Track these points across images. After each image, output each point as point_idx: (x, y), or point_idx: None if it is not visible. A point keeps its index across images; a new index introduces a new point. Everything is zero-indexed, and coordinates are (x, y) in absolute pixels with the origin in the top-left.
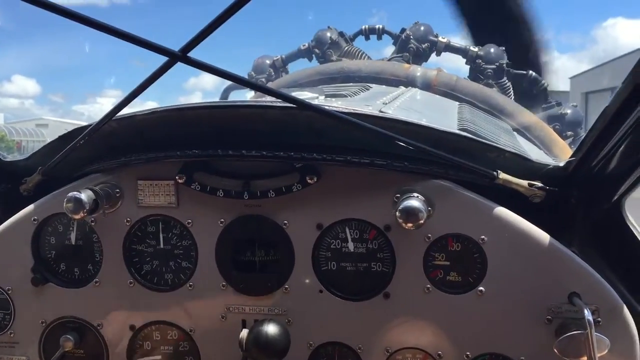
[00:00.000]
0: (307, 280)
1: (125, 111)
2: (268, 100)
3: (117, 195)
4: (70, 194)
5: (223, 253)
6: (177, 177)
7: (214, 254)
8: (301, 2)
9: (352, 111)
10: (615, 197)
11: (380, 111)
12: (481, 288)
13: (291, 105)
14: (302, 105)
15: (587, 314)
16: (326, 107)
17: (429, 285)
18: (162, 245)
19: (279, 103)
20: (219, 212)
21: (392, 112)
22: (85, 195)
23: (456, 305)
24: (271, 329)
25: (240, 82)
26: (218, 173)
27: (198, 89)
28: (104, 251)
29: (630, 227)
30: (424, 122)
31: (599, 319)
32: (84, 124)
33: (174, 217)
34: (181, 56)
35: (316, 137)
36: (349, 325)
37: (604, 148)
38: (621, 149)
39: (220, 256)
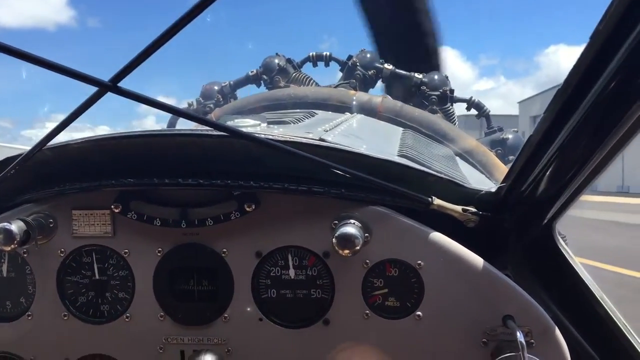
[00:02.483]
0: (246, 309)
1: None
2: (205, 128)
3: (51, 225)
4: (0, 225)
5: (161, 283)
6: (112, 207)
7: (152, 284)
8: (246, 29)
9: (288, 139)
10: (546, 221)
11: (321, 138)
12: (419, 313)
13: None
14: (235, 134)
15: (520, 336)
16: (260, 136)
17: (367, 311)
18: (97, 276)
19: (215, 131)
20: (156, 241)
21: (332, 138)
22: (15, 227)
23: (395, 330)
24: (208, 359)
25: (172, 111)
26: (155, 202)
27: (151, 113)
28: (37, 283)
29: (562, 249)
30: (361, 149)
31: (532, 340)
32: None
33: (110, 247)
34: (111, 86)
35: (254, 164)
36: (290, 352)
37: (531, 173)
38: (548, 173)
39: (158, 286)
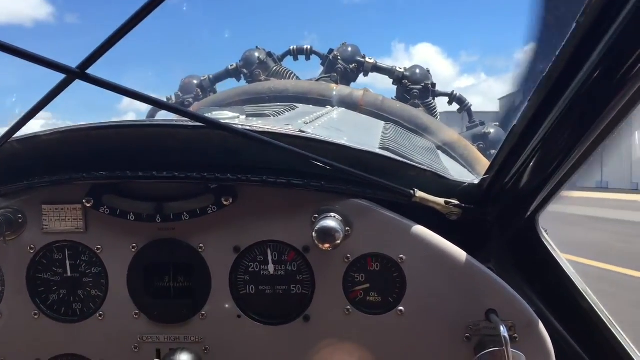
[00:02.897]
0: (224, 306)
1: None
2: (181, 119)
3: (20, 221)
4: None
5: (135, 280)
6: (84, 201)
7: (126, 281)
8: (226, 20)
9: (267, 130)
10: (529, 213)
11: (300, 130)
12: (401, 308)
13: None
14: (212, 124)
15: (503, 330)
16: (238, 126)
17: (349, 307)
18: (69, 273)
19: (192, 122)
20: (130, 237)
21: (312, 131)
22: None
23: (377, 326)
24: (184, 358)
25: (144, 100)
26: (129, 195)
27: (132, 110)
28: (6, 281)
29: (545, 242)
30: (342, 141)
31: (515, 335)
32: None
33: (82, 243)
34: (79, 73)
35: (232, 157)
36: (269, 350)
37: (514, 165)
38: (531, 165)
39: (133, 283)
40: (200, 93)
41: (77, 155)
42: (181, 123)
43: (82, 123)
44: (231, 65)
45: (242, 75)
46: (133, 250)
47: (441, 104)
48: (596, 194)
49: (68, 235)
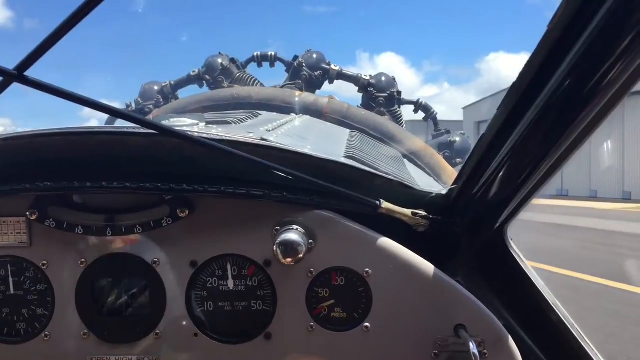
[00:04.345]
0: (180, 324)
1: None
2: (133, 125)
3: None
4: None
5: (84, 297)
6: (28, 213)
7: (74, 299)
8: (183, 27)
9: (225, 138)
10: (498, 225)
11: (262, 138)
12: (367, 324)
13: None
14: (166, 132)
15: (472, 347)
16: (194, 134)
17: (312, 323)
18: (12, 291)
19: (144, 129)
20: (78, 252)
21: (274, 139)
22: None
23: (342, 343)
24: None
25: (88, 104)
26: (77, 207)
27: (95, 117)
28: None
29: (514, 254)
30: (305, 150)
31: (485, 350)
32: None
33: (27, 259)
34: (16, 75)
35: (188, 166)
36: None
37: (483, 176)
38: (500, 175)
39: (81, 301)
40: (162, 99)
41: (20, 164)
42: (133, 130)
43: (25, 130)
44: (193, 72)
45: (204, 82)
46: (82, 265)
47: (406, 113)
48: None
49: (10, 250)
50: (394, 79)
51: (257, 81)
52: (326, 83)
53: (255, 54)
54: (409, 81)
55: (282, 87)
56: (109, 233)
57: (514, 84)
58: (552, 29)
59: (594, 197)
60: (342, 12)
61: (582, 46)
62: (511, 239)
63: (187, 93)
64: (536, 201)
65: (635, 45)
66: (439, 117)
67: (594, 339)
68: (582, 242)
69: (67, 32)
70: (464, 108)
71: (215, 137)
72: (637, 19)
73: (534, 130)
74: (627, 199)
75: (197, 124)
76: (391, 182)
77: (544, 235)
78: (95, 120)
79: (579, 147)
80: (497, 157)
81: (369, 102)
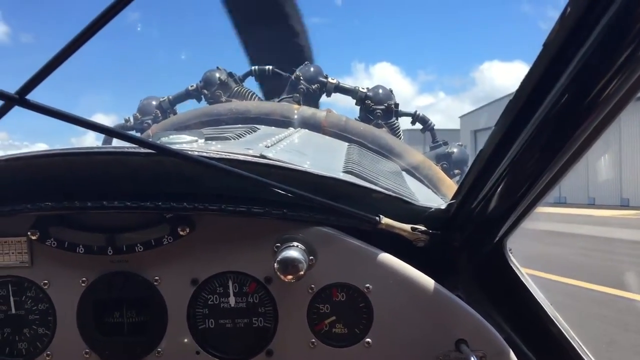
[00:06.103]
0: (182, 341)
1: None
2: (132, 145)
3: None
4: None
5: (86, 316)
6: (29, 233)
7: (75, 318)
8: (181, 43)
9: (224, 157)
10: (497, 239)
11: (261, 155)
12: (368, 339)
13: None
14: (164, 151)
15: None
16: (193, 153)
17: (314, 340)
18: (14, 311)
19: (144, 149)
20: (80, 271)
21: (274, 154)
22: None
23: (343, 359)
24: None
25: (90, 126)
26: (78, 227)
27: (92, 134)
28: None
29: (513, 267)
30: (304, 167)
31: None
32: None
33: (28, 278)
34: (17, 99)
35: (188, 184)
36: None
37: (482, 190)
38: (499, 190)
39: (83, 320)
40: (160, 114)
41: (20, 184)
42: (132, 150)
43: (25, 151)
44: (191, 86)
45: (202, 96)
46: (83, 284)
47: (404, 123)
48: (555, 209)
49: (12, 270)
50: (391, 91)
51: (255, 95)
52: (323, 96)
53: (253, 68)
54: (404, 91)
55: (280, 100)
56: (110, 252)
57: (512, 100)
58: (549, 43)
59: (592, 205)
60: (336, 23)
61: (580, 60)
62: (510, 250)
63: (186, 108)
64: (537, 209)
65: (634, 57)
66: (436, 126)
67: (594, 347)
68: (582, 250)
69: (69, 55)
70: (461, 117)
71: (214, 156)
72: (636, 33)
73: (532, 145)
74: (625, 205)
75: (196, 141)
76: (390, 197)
77: (543, 244)
78: (92, 135)
79: (578, 160)
80: (495, 172)
81: (366, 115)
